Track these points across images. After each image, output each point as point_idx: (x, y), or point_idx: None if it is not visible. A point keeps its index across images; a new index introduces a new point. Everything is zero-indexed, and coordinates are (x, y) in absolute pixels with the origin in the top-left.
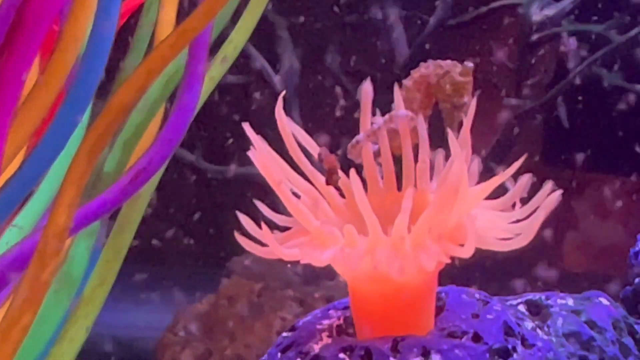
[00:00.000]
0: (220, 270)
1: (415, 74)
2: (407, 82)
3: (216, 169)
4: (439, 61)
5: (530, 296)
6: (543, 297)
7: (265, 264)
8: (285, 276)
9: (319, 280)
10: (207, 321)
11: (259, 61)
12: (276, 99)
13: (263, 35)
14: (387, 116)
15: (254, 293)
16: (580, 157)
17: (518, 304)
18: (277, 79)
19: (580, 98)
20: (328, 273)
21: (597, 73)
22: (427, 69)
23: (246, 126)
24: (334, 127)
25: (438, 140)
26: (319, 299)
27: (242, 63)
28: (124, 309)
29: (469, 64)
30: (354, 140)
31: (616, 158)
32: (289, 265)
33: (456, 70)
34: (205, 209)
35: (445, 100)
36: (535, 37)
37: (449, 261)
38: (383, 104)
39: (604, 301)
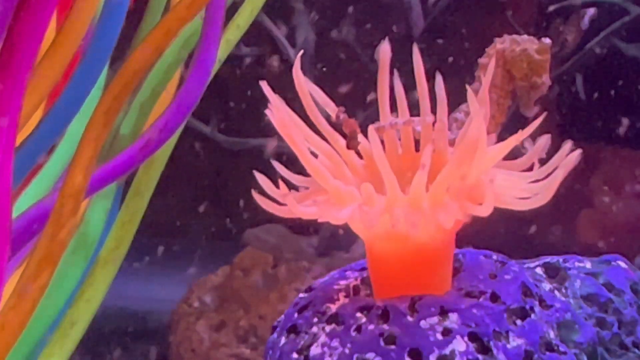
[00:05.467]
0: (235, 242)
1: (490, 50)
2: (482, 60)
3: (231, 140)
4: (515, 36)
5: (548, 259)
6: (561, 260)
7: (280, 236)
8: (299, 248)
9: (333, 252)
10: (222, 292)
11: (275, 33)
12: (291, 71)
13: (278, 7)
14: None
15: (269, 264)
16: (597, 129)
17: (535, 266)
18: (293, 52)
19: (597, 70)
20: (342, 245)
21: (615, 44)
22: (503, 44)
23: (264, 85)
24: (349, 98)
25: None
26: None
27: (256, 34)
28: (139, 281)
29: (547, 40)
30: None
31: (634, 131)
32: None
33: (533, 47)
34: (220, 180)
35: (523, 79)
36: (552, 8)
37: (467, 219)
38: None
39: (622, 264)
